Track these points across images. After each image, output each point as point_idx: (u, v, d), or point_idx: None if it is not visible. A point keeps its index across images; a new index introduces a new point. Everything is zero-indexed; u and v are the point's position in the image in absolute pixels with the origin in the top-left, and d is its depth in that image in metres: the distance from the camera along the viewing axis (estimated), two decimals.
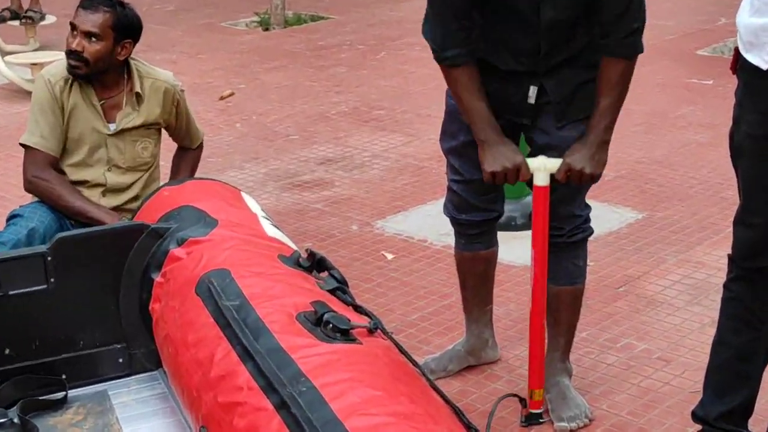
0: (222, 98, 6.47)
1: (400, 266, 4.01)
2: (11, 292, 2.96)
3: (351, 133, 5.70)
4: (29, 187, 3.45)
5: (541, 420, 2.94)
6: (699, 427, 2.56)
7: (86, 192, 3.48)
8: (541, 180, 2.79)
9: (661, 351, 3.29)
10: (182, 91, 3.60)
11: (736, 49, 2.31)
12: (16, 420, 2.88)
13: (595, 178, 2.80)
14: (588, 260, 3.83)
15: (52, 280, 3.01)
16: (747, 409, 2.50)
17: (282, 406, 2.19)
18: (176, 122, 3.60)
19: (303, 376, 2.25)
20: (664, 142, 5.19)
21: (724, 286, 2.49)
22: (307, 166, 5.23)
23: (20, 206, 3.50)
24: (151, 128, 3.55)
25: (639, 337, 3.39)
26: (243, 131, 5.86)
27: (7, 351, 3.00)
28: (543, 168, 2.80)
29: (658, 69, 6.33)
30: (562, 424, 2.88)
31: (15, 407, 2.92)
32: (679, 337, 3.36)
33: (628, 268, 3.89)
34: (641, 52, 2.75)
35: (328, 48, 7.72)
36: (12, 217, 3.46)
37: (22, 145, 3.44)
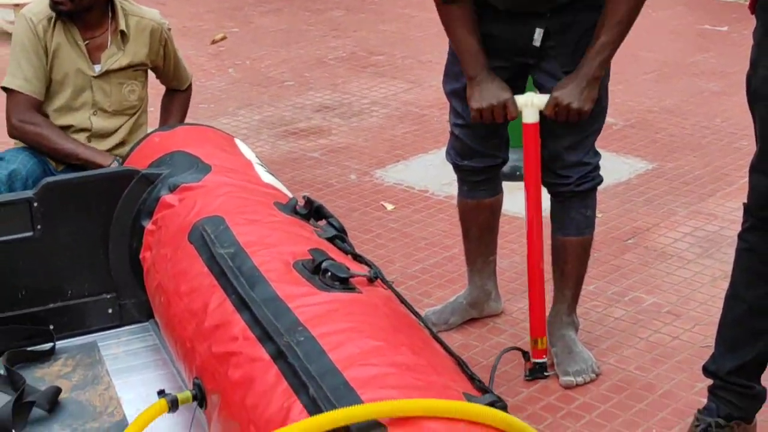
0: (214, 42, 6.43)
1: (400, 217, 4.01)
2: None
3: (349, 80, 5.68)
4: (14, 132, 3.42)
5: (546, 373, 2.95)
6: (710, 382, 2.56)
7: (72, 135, 3.46)
8: (529, 117, 2.80)
9: (670, 305, 3.30)
10: (169, 30, 3.56)
11: None
12: (2, 372, 2.90)
13: (582, 114, 2.76)
14: (596, 211, 3.87)
15: (39, 227, 3.01)
16: (761, 364, 2.51)
17: (279, 356, 2.20)
18: (164, 63, 3.58)
19: (300, 325, 2.25)
20: (675, 91, 5.18)
21: (739, 236, 2.48)
22: (303, 113, 5.21)
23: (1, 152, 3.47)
24: (138, 69, 3.53)
25: (648, 291, 3.39)
26: (236, 77, 5.83)
27: None
28: (530, 104, 2.80)
29: (671, 15, 6.31)
30: (568, 378, 2.90)
31: (1, 358, 2.94)
32: (689, 291, 3.37)
33: (637, 219, 3.89)
34: None
35: None
36: None
37: (3, 88, 3.42)
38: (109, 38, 3.44)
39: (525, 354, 2.94)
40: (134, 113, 3.57)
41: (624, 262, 3.58)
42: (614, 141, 4.57)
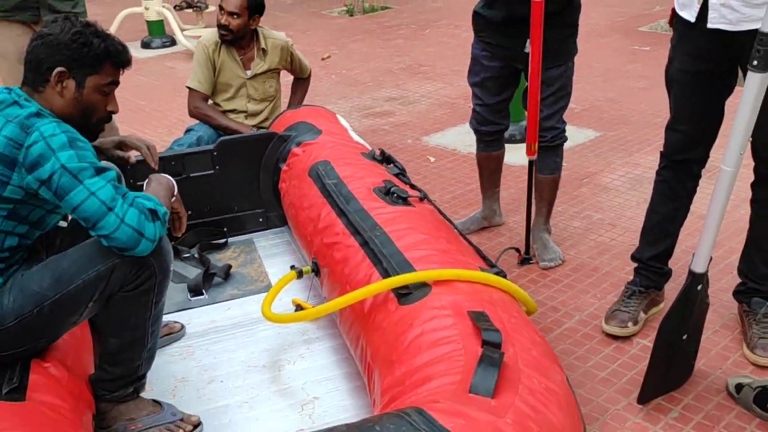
0: (323, 59, 6.36)
1: (439, 166, 3.95)
2: (191, 175, 2.98)
3: (407, 81, 5.57)
4: (192, 114, 3.42)
5: (530, 261, 2.90)
6: (635, 265, 2.51)
7: (234, 116, 3.45)
8: None
9: (610, 219, 3.21)
10: (292, 45, 3.54)
11: (673, 9, 2.20)
12: (196, 255, 2.94)
13: None
14: (563, 161, 3.78)
15: (217, 167, 3.02)
16: (669, 253, 2.45)
17: (364, 244, 2.20)
18: (291, 64, 3.55)
19: (378, 226, 2.24)
20: (615, 88, 4.98)
21: (657, 173, 2.40)
22: (378, 102, 5.14)
23: (192, 125, 3.50)
24: (274, 72, 3.49)
25: (595, 210, 3.30)
26: (336, 81, 5.75)
27: (189, 212, 3.01)
28: None
29: (612, 40, 6.06)
30: (544, 263, 2.85)
31: (195, 247, 2.98)
32: (621, 210, 3.27)
33: (589, 167, 3.77)
34: None
35: (391, 27, 7.50)
36: (188, 130, 3.45)
37: (188, 87, 3.42)
38: (255, 53, 3.42)
39: (518, 250, 2.92)
40: (273, 100, 3.55)
41: (580, 193, 3.48)
42: (575, 119, 4.43)
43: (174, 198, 2.03)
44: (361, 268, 2.14)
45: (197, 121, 3.48)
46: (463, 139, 4.24)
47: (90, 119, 1.89)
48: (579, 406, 1.62)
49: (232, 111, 3.47)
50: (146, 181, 1.98)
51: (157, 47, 7.08)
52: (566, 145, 2.99)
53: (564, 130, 2.88)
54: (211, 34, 3.43)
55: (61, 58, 1.81)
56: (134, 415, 1.99)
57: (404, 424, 1.25)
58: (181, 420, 2.01)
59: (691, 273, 1.93)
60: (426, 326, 1.74)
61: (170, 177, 2.04)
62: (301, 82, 3.71)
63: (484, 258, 2.21)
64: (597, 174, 3.68)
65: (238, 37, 3.36)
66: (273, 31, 3.56)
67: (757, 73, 1.66)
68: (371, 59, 6.31)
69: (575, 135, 4.15)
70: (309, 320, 2.42)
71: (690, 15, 2.10)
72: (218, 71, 3.41)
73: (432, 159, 4.02)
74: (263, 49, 3.42)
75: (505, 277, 2.02)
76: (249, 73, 3.43)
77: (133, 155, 2.23)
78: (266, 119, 3.52)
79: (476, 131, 3.05)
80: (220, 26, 3.33)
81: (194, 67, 3.43)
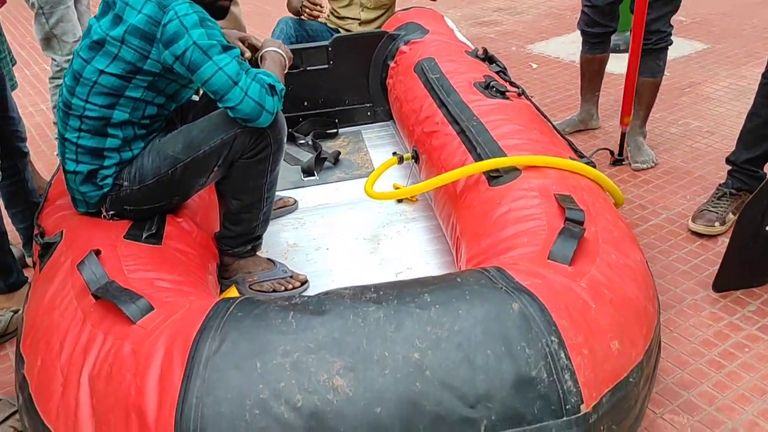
0: None
1: (541, 72, 3.81)
2: (308, 68, 3.01)
3: None
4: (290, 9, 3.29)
5: (623, 163, 2.79)
6: (729, 168, 2.37)
7: (347, 23, 3.31)
8: None
9: (708, 127, 3.01)
10: None
11: None
12: (309, 142, 3.01)
13: None
14: (666, 71, 3.55)
15: (331, 62, 3.03)
16: (765, 157, 2.29)
17: (461, 132, 2.18)
18: None
19: (475, 116, 2.20)
20: (729, 1, 4.56)
21: (763, 75, 2.20)
22: (486, 12, 4.95)
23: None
24: None
25: (694, 118, 3.10)
26: None
27: (305, 103, 3.09)
28: None
29: None
30: (636, 164, 2.74)
31: (309, 135, 3.05)
32: (722, 120, 3.06)
33: (692, 77, 3.52)
34: None
35: None
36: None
37: None
38: None
39: (611, 152, 2.81)
40: (387, 9, 3.43)
41: (681, 102, 3.27)
42: (684, 31, 4.11)
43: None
44: (456, 154, 2.13)
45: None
46: (566, 48, 4.05)
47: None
48: (655, 286, 1.58)
49: (344, 18, 3.42)
50: (260, 57, 2.02)
51: None
52: (671, 56, 2.81)
53: (670, 34, 2.69)
54: None
55: None
56: (251, 269, 2.12)
57: (483, 277, 1.27)
58: (291, 277, 2.13)
59: None
60: (513, 204, 1.73)
61: (280, 49, 2.04)
62: None
63: (575, 150, 2.14)
64: (700, 84, 3.43)
65: None
66: None
67: None
68: None
69: (682, 46, 3.87)
70: (406, 197, 2.45)
71: None
72: None
73: (534, 65, 3.87)
74: None
75: (594, 167, 1.95)
76: None
77: (248, 54, 2.16)
78: (379, 27, 3.44)
79: (583, 32, 2.90)
80: None
81: None
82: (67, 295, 1.52)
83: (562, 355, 1.13)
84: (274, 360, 1.12)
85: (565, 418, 1.10)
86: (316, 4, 3.16)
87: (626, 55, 2.71)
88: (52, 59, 2.89)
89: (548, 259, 1.38)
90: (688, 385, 1.70)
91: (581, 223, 1.52)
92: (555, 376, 1.11)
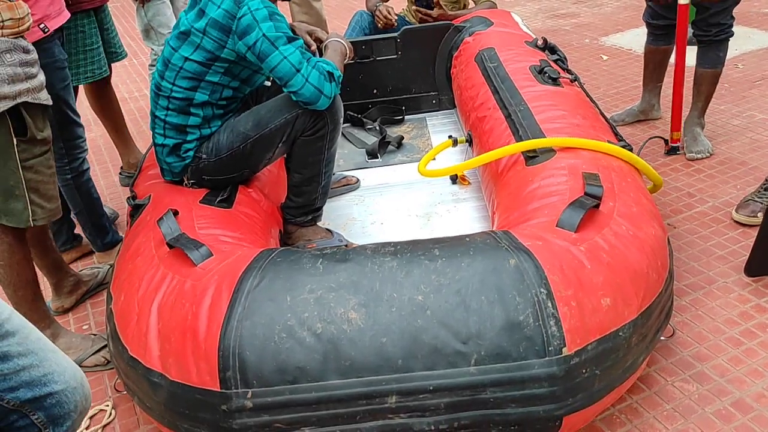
0: None
1: (611, 64, 3.83)
2: (378, 58, 3.21)
3: None
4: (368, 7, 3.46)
5: (678, 152, 2.82)
6: None
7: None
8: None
9: None
10: None
11: None
12: (377, 127, 3.21)
13: None
14: (738, 63, 3.51)
15: (400, 53, 3.21)
16: None
17: (508, 117, 2.31)
18: None
19: (523, 101, 2.33)
20: None
21: None
22: (565, 5, 4.97)
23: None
24: None
25: (760, 111, 3.05)
26: None
27: (374, 91, 3.29)
28: None
29: None
30: (691, 154, 2.77)
31: (377, 121, 3.25)
32: None
33: (766, 69, 3.46)
34: None
35: None
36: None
37: None
38: None
39: (666, 141, 2.85)
40: (463, 7, 3.46)
41: (750, 94, 3.22)
42: (762, 22, 4.01)
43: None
44: (502, 137, 2.27)
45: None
46: (640, 40, 4.01)
47: None
48: (671, 260, 1.67)
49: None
50: (324, 46, 2.24)
51: None
52: (746, 49, 2.83)
53: (731, 26, 2.70)
54: None
55: None
56: (311, 237, 2.36)
57: (489, 238, 1.43)
58: (345, 246, 2.34)
59: None
60: (543, 182, 1.87)
61: (343, 40, 2.24)
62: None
63: (616, 134, 2.23)
64: None
65: None
66: None
67: None
68: None
69: (761, 39, 3.78)
70: (452, 173, 2.60)
71: None
72: None
73: (605, 57, 3.91)
74: None
75: (631, 150, 2.05)
76: None
77: (313, 47, 2.34)
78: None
79: (647, 23, 2.96)
80: None
81: None
82: (148, 245, 1.80)
83: (549, 304, 1.28)
84: (302, 295, 1.33)
85: (546, 358, 1.25)
86: (388, 19, 3.31)
87: (691, 48, 2.74)
88: (151, 48, 3.24)
89: (557, 226, 1.52)
90: (703, 358, 1.78)
91: (598, 198, 1.65)
92: (541, 322, 1.27)
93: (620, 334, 1.36)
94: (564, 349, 1.26)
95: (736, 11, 2.69)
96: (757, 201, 2.32)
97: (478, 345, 1.25)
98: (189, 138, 2.18)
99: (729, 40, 2.73)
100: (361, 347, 1.26)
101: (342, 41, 2.27)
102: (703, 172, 2.67)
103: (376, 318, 1.29)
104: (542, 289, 1.30)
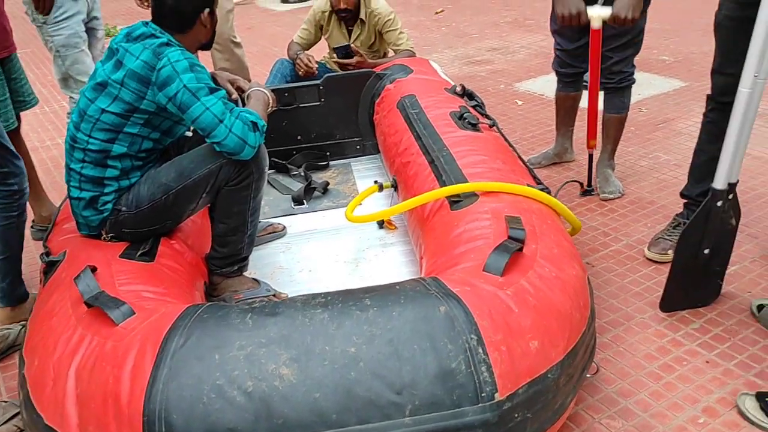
0: (436, 14, 6.44)
1: (525, 109, 3.99)
2: (301, 105, 3.22)
3: (510, 34, 5.56)
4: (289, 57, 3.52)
5: (592, 193, 2.94)
6: (684, 201, 2.51)
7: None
8: (596, 24, 2.59)
9: (677, 160, 3.16)
10: (390, 21, 3.43)
11: None
12: (302, 173, 3.21)
13: (634, 20, 2.52)
14: (641, 107, 3.73)
15: (323, 100, 3.24)
16: None
17: (432, 162, 2.35)
18: (382, 37, 3.51)
19: (445, 147, 2.38)
20: (712, 43, 4.76)
21: (704, 115, 2.35)
22: (480, 52, 5.17)
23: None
24: (377, 42, 3.54)
25: (665, 152, 3.25)
26: (446, 32, 5.82)
27: (299, 137, 3.29)
28: (597, 16, 2.58)
29: None
30: (604, 194, 2.89)
31: (302, 167, 3.25)
32: (690, 153, 3.08)
33: (668, 113, 3.68)
34: None
35: None
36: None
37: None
38: (357, 22, 3.46)
39: (581, 183, 2.97)
40: (381, 56, 3.58)
41: (654, 137, 3.43)
42: (665, 69, 4.30)
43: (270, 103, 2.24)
44: (427, 182, 2.31)
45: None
46: (552, 86, 4.17)
47: (214, 36, 2.18)
48: (590, 298, 1.73)
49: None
50: (246, 96, 2.24)
51: (295, 2, 7.38)
52: (649, 93, 2.98)
53: (632, 74, 2.88)
54: (326, 2, 3.47)
55: (202, 2, 2.10)
56: (237, 288, 2.30)
57: (419, 285, 1.45)
58: (273, 295, 2.31)
59: (711, 189, 1.97)
60: (467, 226, 1.91)
61: (265, 89, 2.25)
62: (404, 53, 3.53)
63: (534, 178, 2.31)
64: (674, 120, 3.61)
65: (355, 13, 3.41)
66: (380, 2, 3.46)
67: None
68: (481, 13, 6.31)
69: (661, 84, 4.06)
70: (380, 219, 2.61)
71: None
72: (329, 35, 3.52)
73: (519, 102, 4.07)
74: (361, 19, 3.44)
75: (549, 193, 2.13)
76: (351, 39, 3.49)
77: (235, 95, 2.32)
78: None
79: (557, 72, 3.10)
80: (338, 11, 3.38)
81: (302, 25, 3.57)
82: (64, 304, 1.71)
83: (480, 350, 1.30)
84: (231, 353, 1.30)
85: (480, 405, 1.26)
86: (309, 67, 3.35)
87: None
88: (70, 96, 3.14)
89: (483, 270, 1.55)
90: (626, 393, 1.84)
91: (520, 241, 1.70)
92: (473, 368, 1.28)
93: (549, 375, 1.39)
94: (496, 395, 1.28)
95: (636, 59, 2.88)
96: (666, 239, 2.45)
97: (413, 395, 1.25)
98: (107, 190, 2.11)
99: (632, 86, 2.91)
100: (294, 404, 1.24)
101: (264, 90, 2.27)
102: (616, 211, 2.80)
103: (308, 373, 1.26)
104: (473, 336, 1.31)
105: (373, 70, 3.35)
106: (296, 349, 1.29)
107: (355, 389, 1.25)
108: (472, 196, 2.06)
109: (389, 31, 3.48)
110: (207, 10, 2.13)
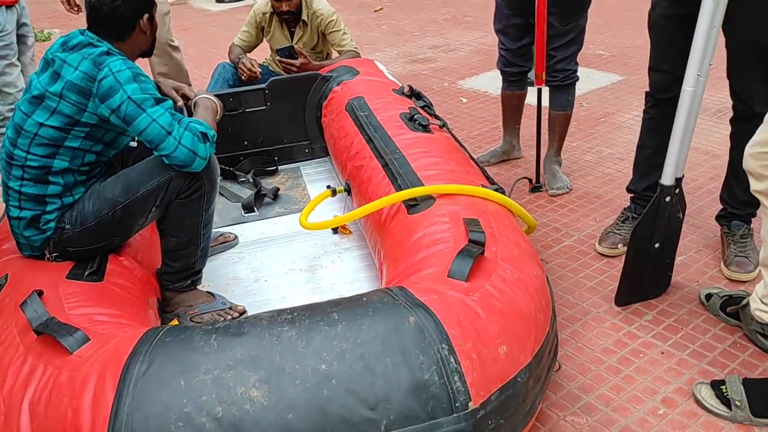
0: (375, 11, 6.43)
1: (470, 106, 4.03)
2: (247, 110, 3.16)
3: (450, 31, 5.60)
4: (230, 60, 3.45)
5: (541, 189, 2.98)
6: (630, 195, 2.58)
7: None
8: None
9: (619, 153, 3.24)
10: (333, 22, 3.40)
11: None
12: (250, 179, 3.15)
13: None
14: (582, 102, 3.81)
15: (269, 104, 3.18)
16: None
17: (385, 165, 2.34)
18: (326, 38, 3.48)
19: (398, 149, 2.37)
20: (644, 35, 4.86)
21: (644, 111, 2.41)
22: (422, 50, 5.19)
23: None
24: (320, 43, 3.49)
25: (607, 146, 3.34)
26: (386, 30, 5.82)
27: (245, 143, 3.23)
28: None
29: None
30: (552, 190, 2.94)
31: (250, 173, 3.19)
32: (632, 147, 3.16)
33: (607, 107, 3.78)
34: None
35: None
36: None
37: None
38: (299, 24, 3.41)
39: (530, 180, 3.02)
40: (324, 57, 3.54)
41: (596, 131, 3.51)
42: (602, 64, 4.42)
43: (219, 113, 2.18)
44: (381, 186, 2.30)
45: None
46: (495, 83, 4.27)
47: (154, 42, 2.10)
48: (551, 298, 1.76)
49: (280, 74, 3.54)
50: (193, 104, 2.17)
51: (230, 1, 7.24)
52: (588, 88, 3.04)
53: (575, 71, 2.93)
54: (266, 3, 3.41)
55: (140, 7, 2.01)
56: (192, 303, 2.24)
57: (386, 296, 1.43)
58: (230, 308, 2.25)
59: (659, 185, 2.03)
60: (427, 230, 1.90)
61: (213, 97, 2.19)
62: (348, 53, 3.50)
63: (488, 178, 2.33)
64: (614, 114, 3.71)
65: (297, 15, 3.35)
66: (321, 2, 3.42)
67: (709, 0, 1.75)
68: (420, 11, 6.33)
69: (599, 79, 4.16)
70: (336, 226, 2.59)
71: None
72: (271, 36, 3.46)
73: (464, 100, 4.11)
74: (303, 20, 3.39)
75: (503, 193, 2.14)
76: (293, 41, 3.44)
77: (180, 103, 2.28)
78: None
79: (502, 71, 3.13)
80: (280, 13, 3.31)
81: (243, 27, 3.50)
82: (11, 333, 1.62)
83: (452, 360, 1.30)
84: (197, 377, 1.25)
85: (454, 415, 1.25)
86: (251, 71, 3.29)
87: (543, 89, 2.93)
88: None
89: (447, 276, 1.55)
90: (588, 389, 1.88)
91: (481, 244, 1.70)
92: (445, 378, 1.27)
93: (518, 379, 1.40)
94: (470, 404, 1.28)
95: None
96: (616, 233, 2.51)
97: (387, 409, 1.23)
98: (49, 208, 2.01)
99: (575, 84, 2.96)
100: (267, 426, 1.20)
101: (212, 98, 2.21)
102: (565, 207, 2.85)
103: (279, 393, 1.23)
104: (443, 345, 1.31)
105: (319, 72, 3.32)
106: (265, 370, 1.26)
107: (328, 407, 1.23)
108: (429, 199, 2.05)
109: (332, 32, 3.45)
110: (146, 16, 2.05)
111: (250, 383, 1.24)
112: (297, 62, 3.37)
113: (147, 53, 2.15)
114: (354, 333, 1.31)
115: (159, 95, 1.96)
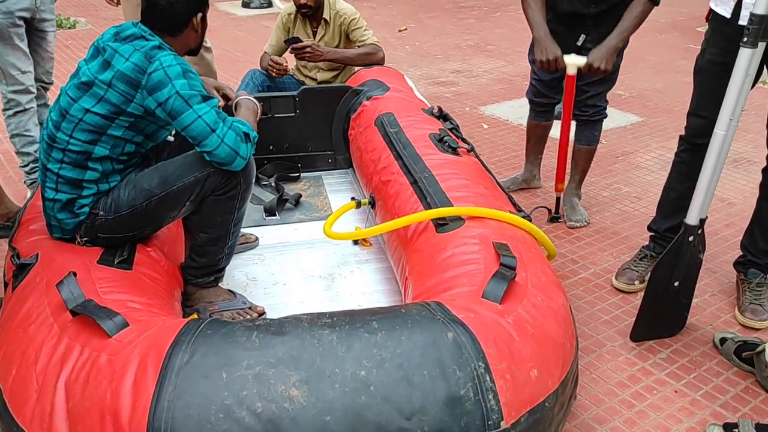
0: (399, 31, 6.50)
1: (491, 133, 4.07)
2: (276, 115, 3.20)
3: (472, 57, 5.67)
4: (261, 67, 3.48)
5: (559, 220, 3.02)
6: (650, 234, 2.62)
7: (308, 82, 3.51)
8: (571, 71, 2.69)
9: (637, 192, 3.29)
10: (355, 20, 3.41)
11: (710, 7, 2.27)
12: (273, 184, 3.18)
13: (606, 71, 2.64)
14: (602, 139, 3.84)
15: (298, 111, 3.22)
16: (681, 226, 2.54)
17: (414, 183, 2.37)
18: (348, 37, 3.48)
19: (427, 168, 2.41)
20: (664, 80, 4.97)
21: (676, 154, 2.46)
22: (444, 73, 5.25)
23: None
24: (342, 43, 3.48)
25: (625, 184, 3.38)
26: (410, 51, 5.89)
27: (271, 147, 3.27)
28: (573, 63, 2.67)
29: (669, 37, 6.01)
30: (571, 222, 2.97)
31: (273, 177, 3.22)
32: (649, 187, 3.34)
33: (626, 147, 3.83)
34: (658, 4, 2.64)
35: (465, 7, 7.59)
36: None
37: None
38: (321, 22, 3.44)
39: (549, 210, 3.05)
40: (342, 70, 3.53)
41: (614, 168, 3.56)
42: (621, 104, 4.48)
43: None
44: (409, 202, 2.32)
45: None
46: (515, 112, 4.36)
47: (203, 41, 2.15)
48: (575, 328, 1.78)
49: (306, 77, 3.56)
50: (234, 105, 2.20)
51: (256, 7, 7.33)
52: (608, 126, 3.08)
53: (605, 108, 2.98)
54: (291, 4, 3.46)
55: (196, 5, 2.06)
56: (213, 299, 2.26)
57: (425, 309, 1.46)
58: (249, 308, 2.27)
59: (684, 224, 2.06)
60: (456, 250, 1.93)
61: (253, 99, 2.23)
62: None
63: (514, 204, 2.36)
64: (632, 153, 3.76)
65: (316, 9, 3.38)
66: (342, 2, 3.46)
67: (747, 48, 1.79)
68: (443, 35, 6.42)
69: (618, 118, 4.22)
70: (361, 241, 2.63)
71: (725, 11, 2.17)
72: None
73: (485, 126, 4.16)
74: (325, 19, 3.42)
75: (530, 221, 2.18)
76: (316, 39, 3.44)
77: (221, 103, 2.31)
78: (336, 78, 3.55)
79: (531, 101, 3.17)
80: (299, 6, 3.35)
81: (272, 32, 3.55)
82: (43, 311, 1.64)
83: (488, 378, 1.32)
84: (239, 372, 1.27)
85: None
86: (279, 64, 3.35)
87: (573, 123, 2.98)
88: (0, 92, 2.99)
89: (482, 297, 1.58)
90: (602, 420, 1.90)
91: (513, 269, 1.73)
92: (480, 396, 1.29)
93: (546, 404, 1.42)
94: (502, 423, 1.30)
95: None
96: (633, 270, 2.55)
97: (422, 421, 1.25)
98: (85, 193, 2.03)
99: (603, 120, 3.01)
100: (304, 427, 1.22)
101: (252, 100, 2.25)
102: (582, 239, 2.89)
103: (318, 395, 1.25)
104: (480, 363, 1.33)
105: (346, 84, 3.36)
106: (306, 371, 1.28)
107: (365, 413, 1.25)
108: (458, 220, 2.08)
109: (355, 29, 3.45)
110: (200, 15, 2.09)
111: (290, 382, 1.26)
112: (305, 43, 3.32)
113: (194, 51, 2.19)
114: (393, 343, 1.33)
115: (206, 93, 2.00)
